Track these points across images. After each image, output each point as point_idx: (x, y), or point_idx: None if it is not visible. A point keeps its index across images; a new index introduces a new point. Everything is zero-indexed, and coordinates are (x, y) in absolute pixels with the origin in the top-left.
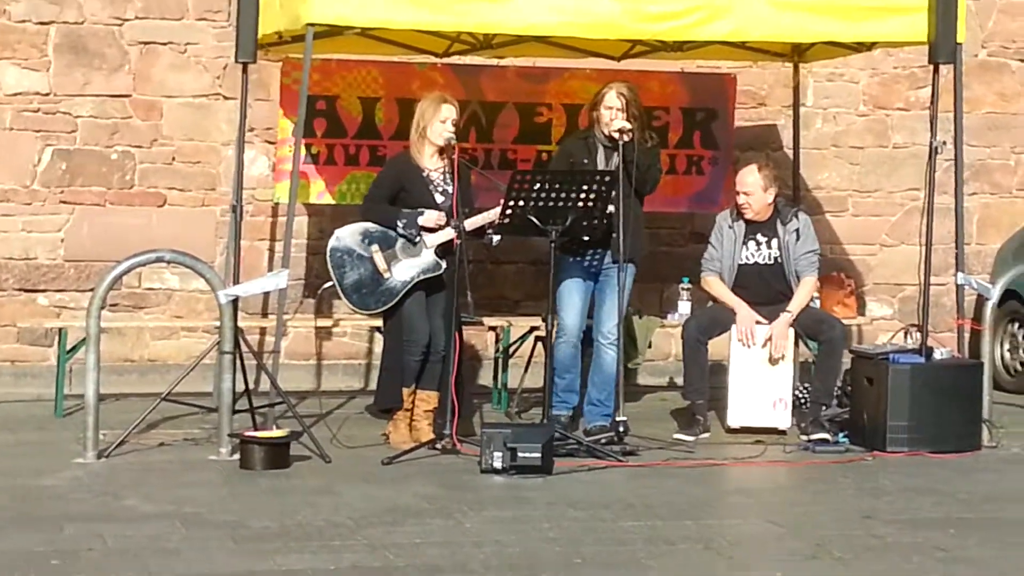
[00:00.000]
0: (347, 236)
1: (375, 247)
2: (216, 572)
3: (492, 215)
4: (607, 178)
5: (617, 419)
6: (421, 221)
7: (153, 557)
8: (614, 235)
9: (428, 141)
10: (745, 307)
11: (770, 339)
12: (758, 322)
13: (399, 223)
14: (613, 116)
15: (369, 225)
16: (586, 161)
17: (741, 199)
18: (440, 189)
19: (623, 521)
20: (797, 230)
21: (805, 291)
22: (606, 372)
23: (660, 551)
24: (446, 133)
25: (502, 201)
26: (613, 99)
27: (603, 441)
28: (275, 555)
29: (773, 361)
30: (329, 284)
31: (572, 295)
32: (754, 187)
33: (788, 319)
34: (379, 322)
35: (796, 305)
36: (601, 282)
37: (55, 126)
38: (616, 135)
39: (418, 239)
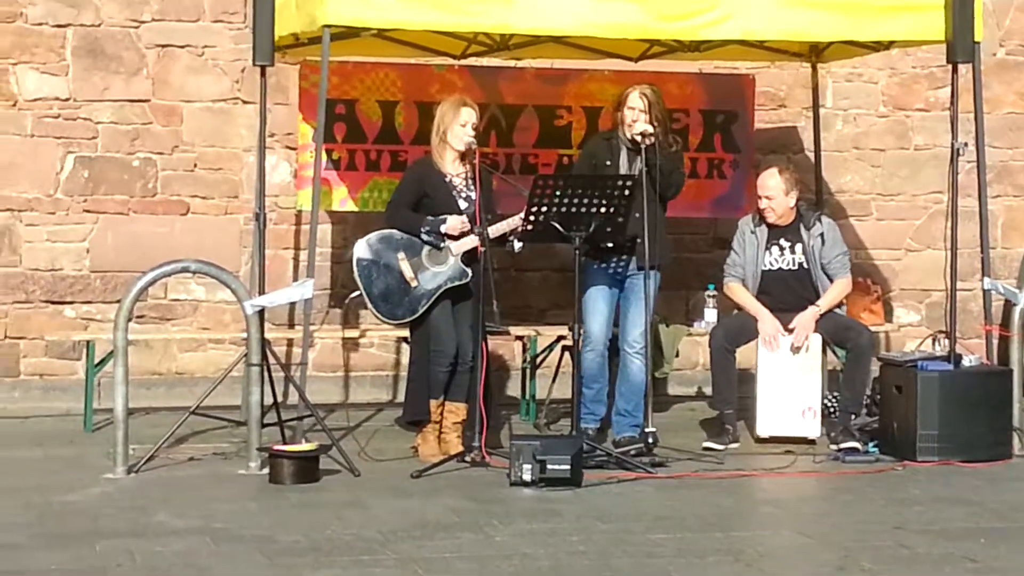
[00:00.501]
0: (373, 244)
1: (401, 255)
2: None
3: (515, 221)
4: (630, 183)
5: (646, 430)
6: (444, 228)
7: (183, 573)
8: (639, 241)
9: (449, 146)
10: (767, 314)
11: (795, 328)
12: (781, 332)
13: (423, 230)
14: (635, 118)
15: (395, 232)
16: (608, 163)
17: (763, 203)
18: (463, 195)
19: (653, 534)
20: (822, 234)
21: (837, 291)
22: (633, 382)
23: (690, 563)
24: (467, 137)
25: (524, 207)
26: (636, 100)
27: (632, 452)
28: (305, 570)
29: (801, 368)
30: (356, 294)
31: (597, 303)
32: (776, 190)
33: (815, 312)
34: (406, 332)
35: (826, 302)
36: (626, 290)
37: (76, 132)
38: (638, 138)
39: (443, 245)
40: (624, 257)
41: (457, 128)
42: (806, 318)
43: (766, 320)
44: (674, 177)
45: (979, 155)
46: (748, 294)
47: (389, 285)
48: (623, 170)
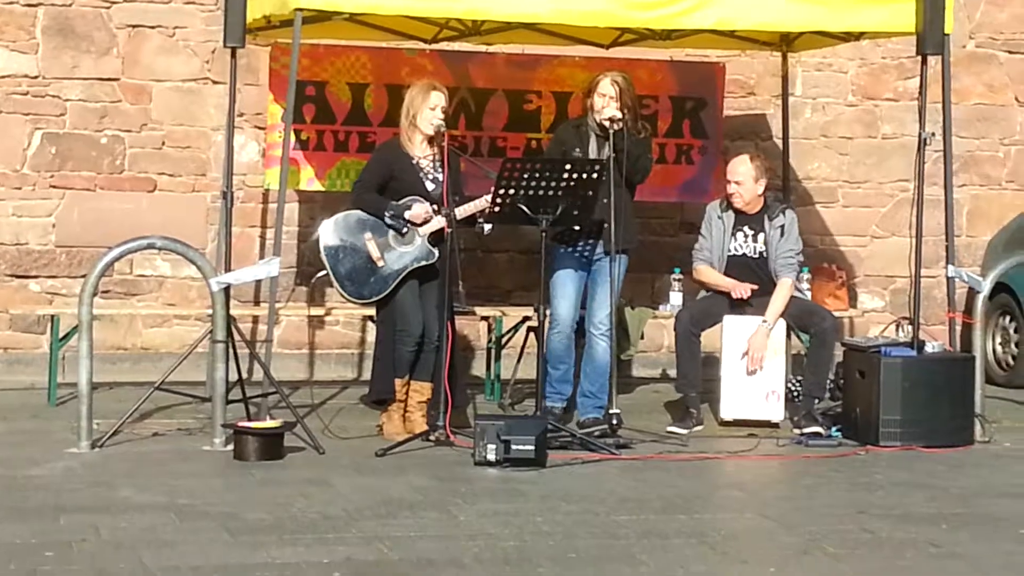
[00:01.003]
0: (339, 224)
1: (368, 235)
2: (210, 564)
3: (483, 203)
4: (597, 167)
5: (610, 411)
6: (408, 215)
7: (147, 549)
8: (606, 225)
9: (418, 129)
10: (734, 281)
11: (747, 350)
12: (748, 303)
13: (387, 214)
14: (605, 104)
15: (361, 213)
16: (578, 150)
17: (731, 188)
18: (430, 177)
19: (617, 515)
20: (782, 227)
21: (781, 296)
22: (598, 363)
23: (654, 545)
24: (435, 121)
25: (492, 189)
26: (607, 87)
27: (596, 434)
28: (269, 547)
29: (757, 362)
30: (323, 273)
31: (565, 286)
32: (745, 176)
33: (765, 330)
34: (371, 311)
35: (772, 314)
36: (593, 272)
37: (44, 109)
38: (607, 123)
39: (406, 231)
40: (592, 241)
41: (427, 111)
42: (759, 339)
43: (734, 284)
44: (641, 162)
45: (946, 145)
46: (715, 272)
47: (356, 265)
48: (592, 156)
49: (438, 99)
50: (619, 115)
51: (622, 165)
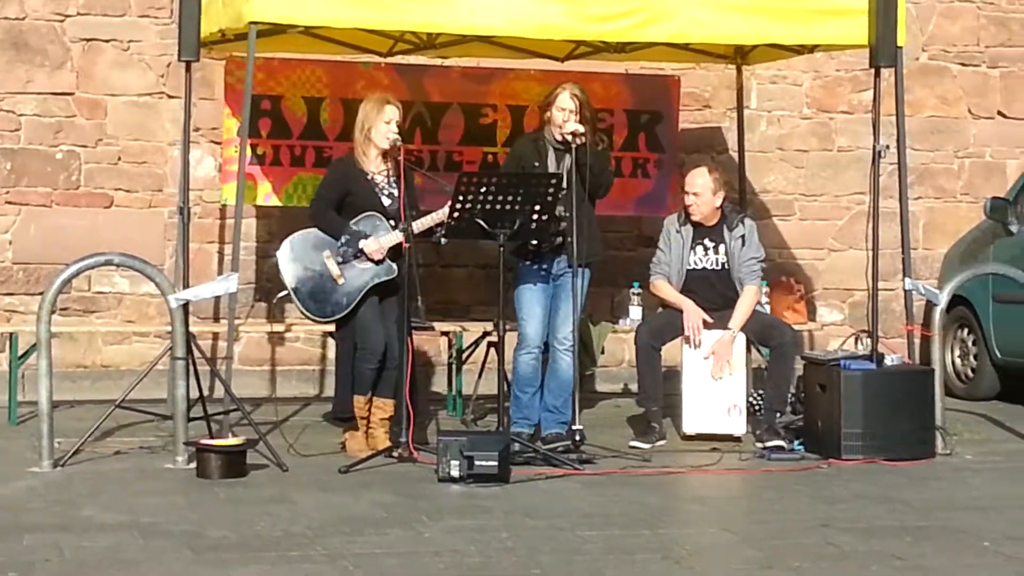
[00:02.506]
0: (297, 243)
1: (327, 252)
2: None
3: (440, 216)
4: (553, 181)
5: (573, 427)
6: (362, 244)
7: (111, 568)
8: (568, 240)
9: (373, 143)
10: (692, 304)
11: (712, 355)
12: (705, 321)
13: (342, 239)
14: (566, 118)
15: (319, 231)
16: (536, 164)
17: (689, 199)
18: (386, 192)
19: (581, 530)
20: (743, 236)
21: (746, 303)
22: (562, 378)
23: (618, 560)
24: (390, 135)
25: (449, 203)
26: (567, 100)
27: (559, 449)
28: (233, 565)
29: (722, 368)
30: (284, 293)
31: (532, 305)
32: (703, 188)
33: (730, 337)
34: (332, 327)
35: (737, 321)
36: (557, 287)
37: None
38: (569, 138)
39: (357, 256)
40: (555, 255)
41: (381, 126)
42: (724, 344)
43: (690, 310)
44: (604, 176)
45: (900, 157)
46: (673, 289)
47: (316, 283)
48: (552, 170)
49: (392, 113)
50: (582, 129)
51: (585, 179)
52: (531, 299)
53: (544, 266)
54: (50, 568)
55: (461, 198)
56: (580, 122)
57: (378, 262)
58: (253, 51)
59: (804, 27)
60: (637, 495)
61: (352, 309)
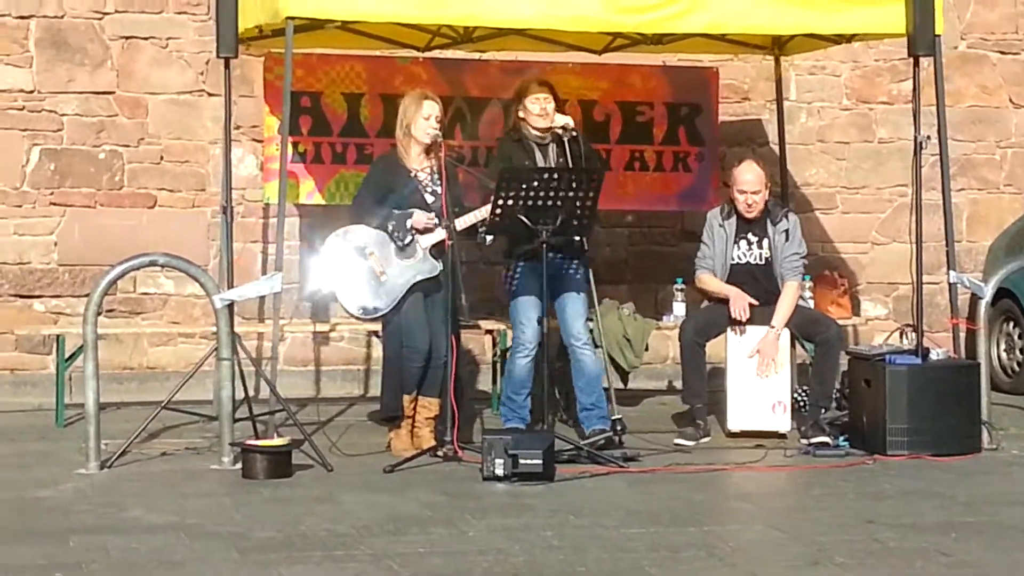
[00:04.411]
0: (341, 239)
1: (370, 249)
2: None
3: (482, 213)
4: (596, 176)
5: (613, 417)
6: (410, 223)
7: (157, 569)
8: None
9: (414, 139)
10: (737, 290)
11: (758, 353)
12: (751, 304)
13: (388, 225)
14: (543, 108)
15: (363, 228)
16: (527, 162)
17: (749, 199)
18: (429, 189)
19: (626, 528)
20: (787, 231)
21: (788, 300)
22: (589, 375)
23: (663, 558)
24: (431, 130)
25: (491, 199)
26: (543, 92)
27: (601, 442)
28: (279, 566)
29: (767, 366)
30: (327, 290)
31: (528, 308)
32: (760, 185)
33: (775, 335)
34: (376, 326)
35: (780, 319)
36: (559, 286)
37: (41, 124)
38: (560, 131)
39: (408, 241)
40: (551, 253)
41: (421, 122)
42: (769, 343)
43: (735, 295)
44: (592, 163)
45: (942, 148)
46: (717, 279)
47: (359, 281)
48: (540, 165)
49: (431, 108)
50: (572, 122)
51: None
52: (527, 302)
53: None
54: (96, 569)
55: (503, 194)
56: (558, 111)
57: (429, 254)
58: (291, 47)
59: (841, 16)
60: (681, 492)
61: (396, 307)
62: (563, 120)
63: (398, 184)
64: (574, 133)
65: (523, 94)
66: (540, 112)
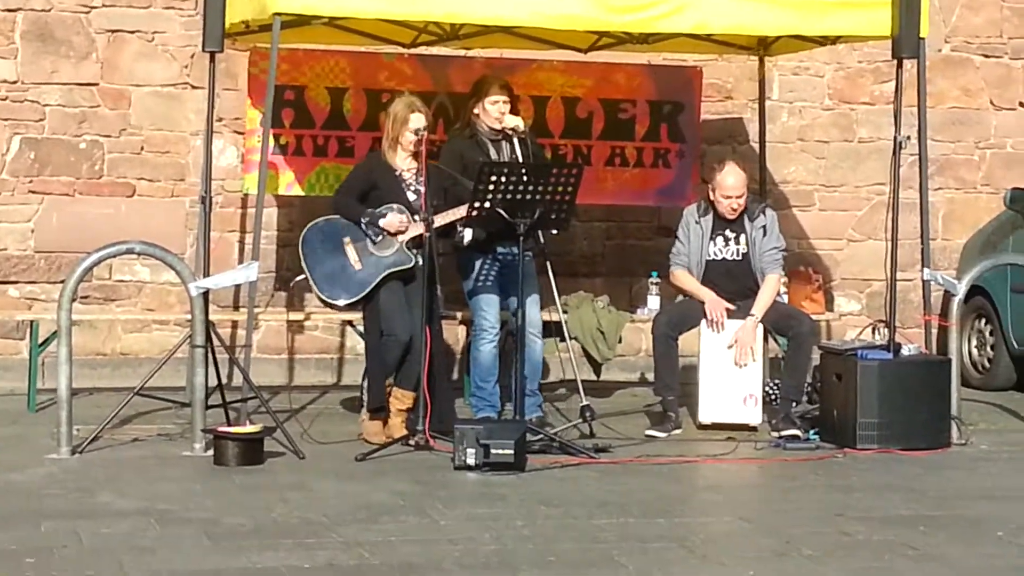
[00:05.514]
0: (320, 228)
1: (347, 239)
2: (191, 570)
3: (462, 211)
4: (575, 170)
5: (581, 404)
6: (382, 223)
7: (128, 554)
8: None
9: (400, 146)
10: (712, 294)
11: (736, 342)
12: (728, 309)
13: (363, 220)
14: (501, 111)
15: (341, 218)
16: (481, 159)
17: (734, 203)
18: (412, 188)
19: (597, 519)
20: (764, 226)
21: (768, 291)
22: (535, 362)
23: (633, 549)
24: (416, 147)
25: (470, 197)
26: (502, 93)
27: (578, 435)
28: (250, 553)
29: (745, 355)
30: (301, 277)
31: (490, 297)
32: (743, 188)
33: (753, 323)
34: (351, 316)
35: (760, 308)
36: (517, 275)
37: (23, 114)
38: (510, 132)
39: (380, 238)
40: (508, 243)
41: (408, 135)
42: (747, 331)
43: (711, 300)
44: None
45: (921, 148)
46: (692, 278)
47: (334, 269)
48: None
49: (418, 121)
50: (522, 124)
51: None
52: (489, 292)
53: (499, 255)
54: (67, 554)
55: (482, 187)
56: (513, 112)
57: (405, 247)
58: (277, 42)
59: (827, 18)
60: (653, 484)
61: (368, 295)
62: (514, 121)
63: (382, 180)
64: (523, 135)
65: (483, 93)
66: (498, 116)
